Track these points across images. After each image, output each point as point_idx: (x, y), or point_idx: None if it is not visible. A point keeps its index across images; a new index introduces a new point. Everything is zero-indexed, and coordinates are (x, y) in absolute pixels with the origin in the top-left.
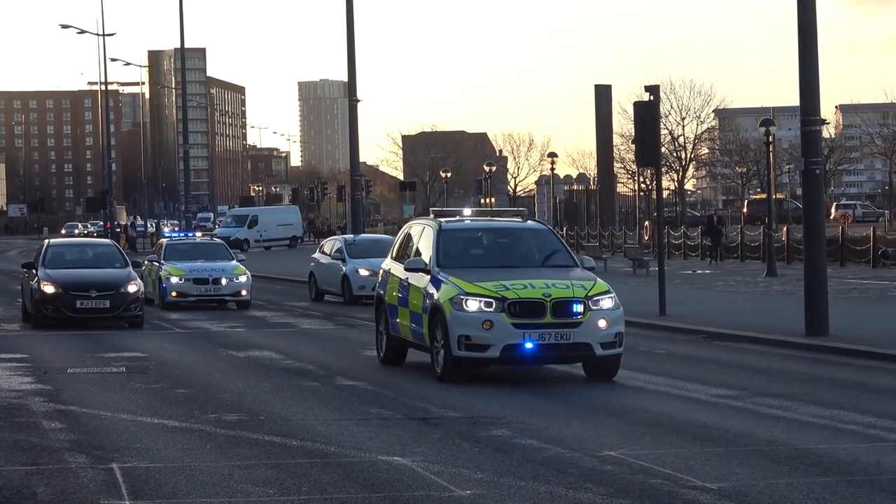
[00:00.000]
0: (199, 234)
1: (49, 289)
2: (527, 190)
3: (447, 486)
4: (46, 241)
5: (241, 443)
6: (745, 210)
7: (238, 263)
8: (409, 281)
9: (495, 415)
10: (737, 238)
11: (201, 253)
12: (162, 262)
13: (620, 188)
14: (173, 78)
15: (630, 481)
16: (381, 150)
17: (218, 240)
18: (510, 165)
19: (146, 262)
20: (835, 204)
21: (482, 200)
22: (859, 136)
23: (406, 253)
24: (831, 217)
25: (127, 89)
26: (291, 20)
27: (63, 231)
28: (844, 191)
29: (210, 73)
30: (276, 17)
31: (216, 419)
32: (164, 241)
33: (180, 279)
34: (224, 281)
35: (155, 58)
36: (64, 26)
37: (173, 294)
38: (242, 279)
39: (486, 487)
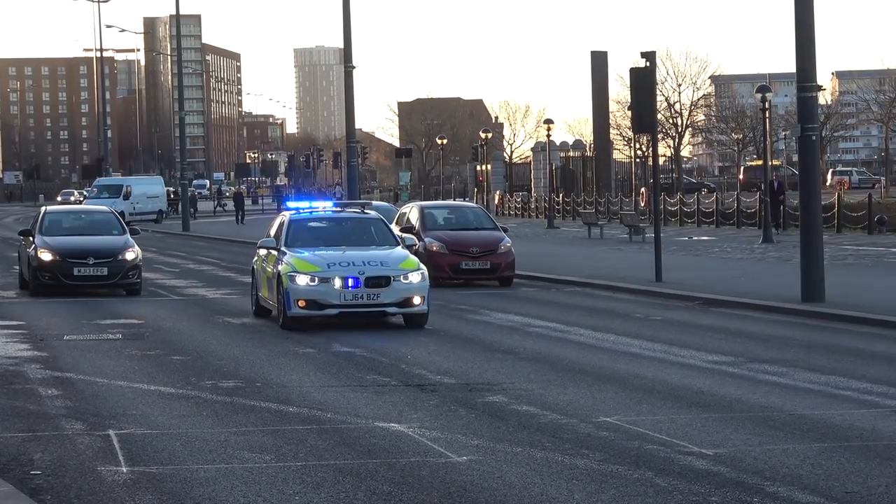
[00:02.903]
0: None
1: (46, 256)
2: (523, 157)
3: (444, 452)
4: (43, 208)
5: (237, 409)
6: (741, 177)
7: (406, 252)
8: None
9: (491, 381)
10: (733, 204)
11: (342, 234)
12: (285, 249)
13: (617, 155)
14: (168, 45)
15: (626, 447)
16: (377, 116)
17: (372, 213)
18: (506, 132)
19: (258, 254)
20: (831, 171)
21: (478, 167)
22: (856, 102)
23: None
24: (828, 184)
25: (122, 56)
26: None
27: (59, 198)
28: (841, 157)
29: (205, 39)
30: None
31: (213, 386)
32: (285, 216)
33: (312, 280)
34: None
35: (150, 24)
36: None
37: (300, 304)
38: (415, 278)
39: (483, 453)
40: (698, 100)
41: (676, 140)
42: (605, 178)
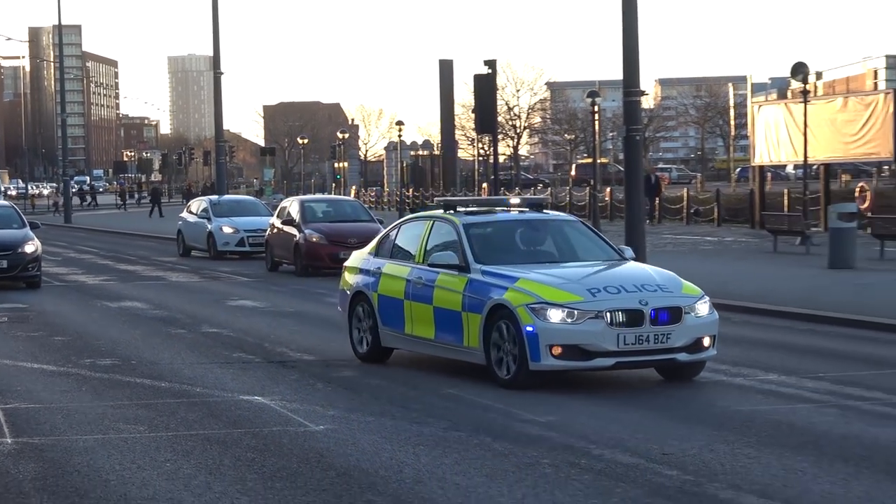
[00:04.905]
0: None
1: None
2: (377, 155)
3: (303, 422)
4: None
5: (114, 385)
6: (572, 173)
7: (668, 273)
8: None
9: (347, 357)
10: (566, 198)
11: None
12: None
13: (461, 153)
14: (52, 52)
15: (467, 416)
16: (243, 118)
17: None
18: (362, 133)
19: (382, 273)
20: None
21: (336, 165)
22: (676, 106)
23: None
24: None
25: (9, 63)
26: None
27: None
28: (662, 156)
29: (85, 48)
30: None
31: (91, 364)
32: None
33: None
34: None
35: (35, 34)
36: None
37: (555, 351)
38: (703, 310)
39: (339, 423)
40: (535, 104)
41: (515, 140)
42: (451, 174)
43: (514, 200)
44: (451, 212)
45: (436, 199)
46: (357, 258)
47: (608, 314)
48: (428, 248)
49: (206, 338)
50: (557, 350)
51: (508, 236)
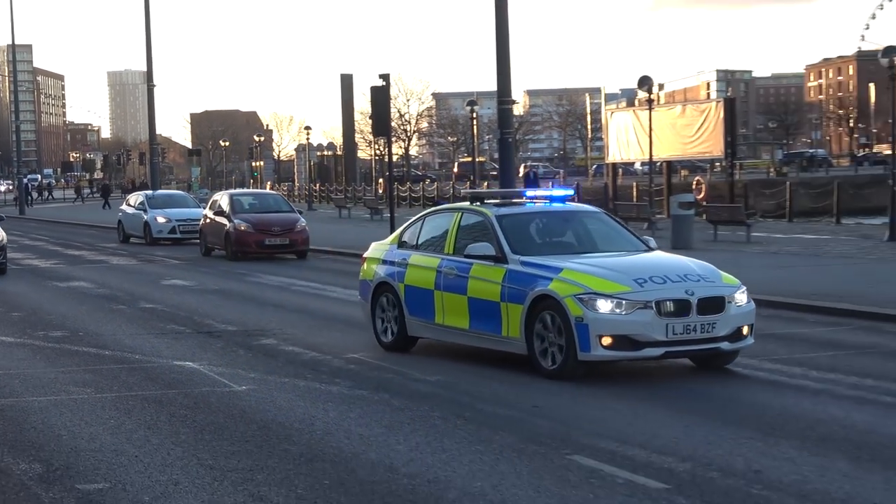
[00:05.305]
0: None
1: None
2: (288, 155)
3: (227, 383)
4: None
5: (64, 354)
6: (455, 170)
7: (704, 264)
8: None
9: (265, 328)
10: (450, 190)
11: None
12: (525, 258)
13: (360, 153)
14: (6, 68)
15: (369, 376)
16: (173, 124)
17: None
18: (275, 136)
19: (410, 263)
20: (522, 165)
21: (253, 164)
22: (541, 113)
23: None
24: (520, 175)
25: None
26: (101, 18)
27: None
28: (530, 155)
29: (36, 64)
30: (88, 16)
31: (44, 335)
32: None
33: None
34: None
35: None
36: None
37: (605, 342)
38: (742, 299)
39: (258, 384)
40: (423, 111)
41: (406, 142)
42: (352, 171)
43: (537, 192)
44: (479, 203)
45: (463, 191)
46: (378, 249)
47: (657, 304)
48: (458, 239)
49: (143, 312)
50: (607, 340)
51: (540, 227)
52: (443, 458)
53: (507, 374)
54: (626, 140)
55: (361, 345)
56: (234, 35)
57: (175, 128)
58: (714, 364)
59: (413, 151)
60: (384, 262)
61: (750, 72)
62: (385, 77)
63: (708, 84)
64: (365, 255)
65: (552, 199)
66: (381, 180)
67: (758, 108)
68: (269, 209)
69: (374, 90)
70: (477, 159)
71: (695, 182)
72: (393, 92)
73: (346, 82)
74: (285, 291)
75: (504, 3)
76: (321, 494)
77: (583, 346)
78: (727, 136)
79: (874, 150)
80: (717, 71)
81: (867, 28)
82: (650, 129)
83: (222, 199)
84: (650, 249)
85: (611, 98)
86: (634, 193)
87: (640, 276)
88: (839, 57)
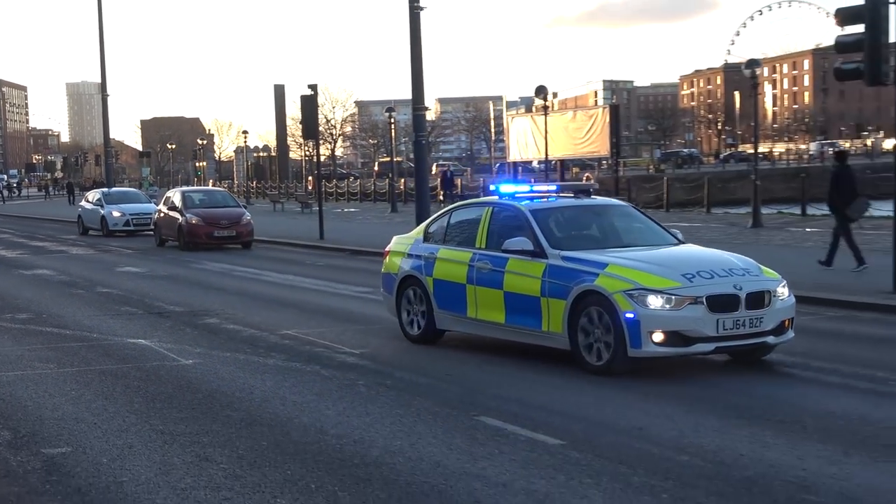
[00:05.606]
0: None
1: None
2: (228, 157)
3: (176, 357)
4: None
5: (29, 333)
6: (376, 169)
7: (743, 256)
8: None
9: (209, 309)
10: (371, 187)
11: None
12: (564, 253)
13: (292, 154)
14: None
15: (301, 350)
16: (125, 129)
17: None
18: (216, 140)
19: (438, 257)
20: (435, 164)
21: (197, 164)
22: (451, 118)
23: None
24: (433, 172)
25: None
26: (61, 33)
27: None
28: (441, 155)
29: (1, 76)
30: (49, 32)
31: (11, 318)
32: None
33: (669, 300)
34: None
35: None
36: None
37: (657, 338)
38: (784, 292)
39: (203, 358)
40: (347, 117)
41: (333, 144)
42: (285, 170)
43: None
44: (508, 198)
45: (491, 186)
46: (401, 243)
47: (707, 299)
48: (489, 233)
49: (100, 296)
50: (659, 336)
51: (574, 221)
52: (367, 421)
53: (422, 346)
54: (525, 142)
55: (295, 322)
56: (181, 49)
57: (127, 132)
58: (752, 358)
59: (339, 152)
60: (409, 255)
61: (632, 82)
62: (313, 87)
63: (596, 92)
64: (387, 248)
65: (576, 192)
66: (310, 178)
67: (639, 114)
68: (218, 204)
69: (304, 98)
70: (395, 159)
71: (585, 178)
72: (320, 100)
73: (279, 92)
74: (227, 277)
75: (417, 23)
76: (260, 454)
77: (633, 342)
78: (612, 138)
79: (739, 150)
80: (604, 81)
81: (732, 44)
82: (546, 132)
83: (175, 195)
84: (680, 242)
85: (511, 105)
86: None
87: (687, 270)
88: (709, 68)
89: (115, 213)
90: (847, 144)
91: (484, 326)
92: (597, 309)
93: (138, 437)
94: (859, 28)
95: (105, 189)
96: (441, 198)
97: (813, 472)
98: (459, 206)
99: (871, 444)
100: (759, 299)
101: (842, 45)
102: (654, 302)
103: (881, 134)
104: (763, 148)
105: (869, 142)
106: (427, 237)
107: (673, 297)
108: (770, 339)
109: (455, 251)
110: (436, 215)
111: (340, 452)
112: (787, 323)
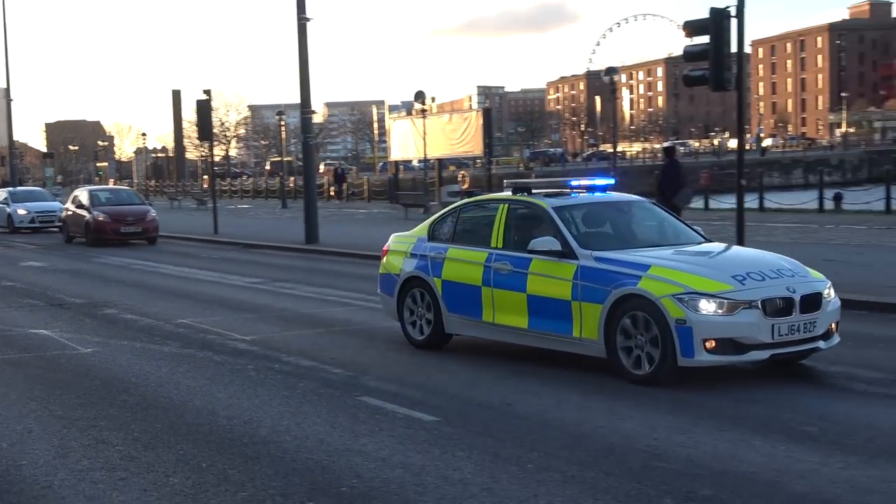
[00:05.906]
0: None
1: None
2: (128, 157)
3: (76, 346)
4: None
5: None
6: (267, 168)
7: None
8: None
9: (107, 300)
10: (263, 185)
11: (632, 228)
12: (597, 254)
13: (189, 155)
14: None
15: (195, 338)
16: (29, 131)
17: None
18: (117, 142)
19: (446, 256)
20: (322, 163)
21: (98, 165)
22: (337, 121)
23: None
24: (321, 171)
25: None
26: None
27: None
28: (329, 155)
29: None
30: None
31: None
32: (541, 205)
33: (721, 305)
34: None
35: None
36: None
37: (709, 345)
38: (831, 294)
39: (102, 346)
40: (240, 120)
41: (227, 145)
42: (182, 170)
43: (580, 182)
44: (526, 194)
45: (505, 181)
46: (402, 242)
47: (763, 303)
48: (507, 232)
49: (3, 289)
50: (711, 344)
51: (600, 219)
52: (256, 403)
53: (309, 333)
54: (405, 143)
55: (189, 312)
56: (82, 55)
57: (31, 135)
58: (789, 363)
59: (233, 153)
60: (413, 255)
61: (503, 87)
62: (208, 92)
63: (470, 97)
64: (386, 247)
65: (594, 188)
66: (205, 177)
67: (510, 116)
68: (124, 202)
69: (199, 103)
70: (285, 159)
71: (460, 175)
72: (215, 104)
73: (177, 96)
74: (126, 270)
75: (305, 33)
76: (154, 436)
77: (685, 350)
78: (485, 139)
79: (600, 149)
80: (478, 87)
81: (594, 53)
82: (424, 134)
83: (82, 194)
84: (706, 240)
85: (393, 109)
86: (413, 185)
87: (737, 272)
88: (573, 75)
89: (21, 211)
90: (697, 144)
91: (502, 331)
92: (641, 314)
93: (38, 422)
94: (705, 39)
95: (11, 188)
96: (332, 192)
97: (663, 441)
98: (468, 202)
99: (718, 415)
100: (812, 302)
101: (689, 55)
102: (707, 307)
103: (727, 134)
104: (621, 147)
105: (716, 141)
106: (433, 236)
107: (726, 301)
108: (821, 343)
109: (467, 251)
110: (442, 212)
111: (230, 433)
112: (833, 327)
